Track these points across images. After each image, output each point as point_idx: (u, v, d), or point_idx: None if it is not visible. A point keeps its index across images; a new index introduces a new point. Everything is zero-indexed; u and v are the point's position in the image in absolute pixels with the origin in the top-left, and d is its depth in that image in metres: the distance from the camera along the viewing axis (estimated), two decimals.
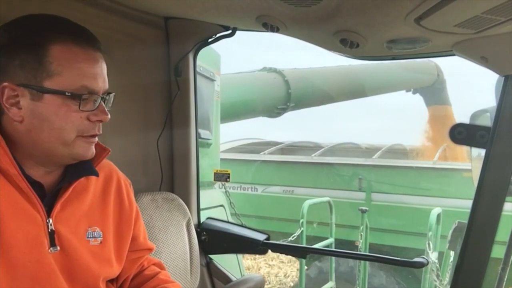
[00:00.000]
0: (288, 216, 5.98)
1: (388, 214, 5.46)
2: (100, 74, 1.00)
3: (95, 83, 0.98)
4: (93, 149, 1.03)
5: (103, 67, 1.02)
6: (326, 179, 6.09)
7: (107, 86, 1.02)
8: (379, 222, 5.35)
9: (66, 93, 0.94)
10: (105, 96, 1.02)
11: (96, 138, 1.03)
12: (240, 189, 6.40)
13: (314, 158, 6.41)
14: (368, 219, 5.38)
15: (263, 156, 6.75)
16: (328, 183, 6.04)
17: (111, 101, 1.06)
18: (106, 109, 1.01)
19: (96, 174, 1.09)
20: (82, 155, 1.00)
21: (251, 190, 6.39)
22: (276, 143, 7.68)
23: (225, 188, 3.31)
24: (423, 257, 1.84)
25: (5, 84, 0.93)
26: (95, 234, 1.07)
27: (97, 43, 1.01)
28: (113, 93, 1.05)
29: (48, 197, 1.01)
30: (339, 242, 4.92)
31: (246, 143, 7.73)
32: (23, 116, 0.95)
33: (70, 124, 0.96)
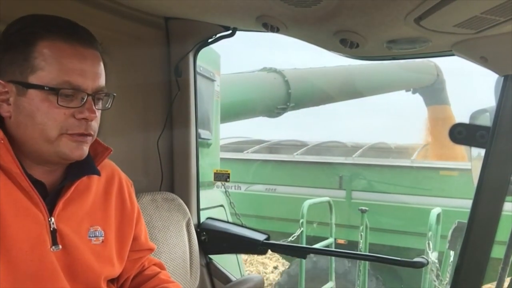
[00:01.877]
0: (272, 215, 6.05)
1: (369, 212, 5.49)
2: (89, 71, 0.97)
3: (81, 80, 0.95)
4: (83, 150, 0.99)
5: (96, 64, 0.99)
6: (308, 178, 6.14)
7: (100, 84, 0.99)
8: (359, 220, 5.42)
9: (45, 88, 0.93)
10: (97, 95, 0.99)
11: (89, 138, 1.01)
12: (224, 188, 6.41)
13: (296, 156, 6.44)
14: (348, 217, 5.43)
15: (246, 155, 6.76)
16: (310, 181, 6.10)
17: (109, 102, 1.04)
18: (94, 108, 0.97)
19: (98, 173, 1.09)
20: (67, 154, 0.97)
21: (235, 189, 6.42)
22: (261, 142, 7.70)
23: (224, 188, 3.31)
24: (423, 257, 1.84)
25: None
26: (97, 233, 1.07)
27: (90, 41, 0.99)
28: (113, 94, 1.04)
29: (51, 196, 1.01)
30: (321, 240, 4.94)
31: (232, 141, 7.73)
32: (11, 112, 0.96)
33: (52, 120, 0.94)
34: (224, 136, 7.72)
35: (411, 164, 5.79)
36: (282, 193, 6.19)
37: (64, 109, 0.95)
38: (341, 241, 5.38)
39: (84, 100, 0.97)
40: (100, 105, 1.02)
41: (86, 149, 1.01)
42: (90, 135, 1.00)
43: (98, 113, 1.01)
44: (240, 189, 6.40)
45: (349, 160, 6.12)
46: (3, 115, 0.97)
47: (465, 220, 1.48)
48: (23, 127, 0.96)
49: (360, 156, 6.39)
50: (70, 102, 0.95)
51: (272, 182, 6.31)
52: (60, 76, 0.94)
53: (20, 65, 0.94)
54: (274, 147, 7.61)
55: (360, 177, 5.99)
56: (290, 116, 6.67)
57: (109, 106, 1.05)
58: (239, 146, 7.39)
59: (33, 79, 0.94)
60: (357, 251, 4.68)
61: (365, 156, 6.40)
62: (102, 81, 1.01)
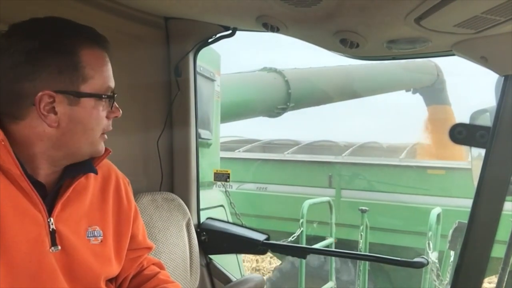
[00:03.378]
0: (263, 213, 6.10)
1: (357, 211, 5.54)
2: (112, 75, 1.06)
3: (112, 84, 1.05)
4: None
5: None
6: (299, 176, 6.17)
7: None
8: (349, 219, 5.43)
9: (103, 96, 1.01)
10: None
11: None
12: (216, 186, 6.44)
13: (287, 155, 6.48)
14: (338, 215, 5.45)
15: (238, 154, 6.79)
16: (300, 180, 6.13)
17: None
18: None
19: (95, 171, 1.09)
20: (100, 151, 1.07)
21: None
22: (254, 141, 7.72)
23: (224, 188, 3.31)
24: (423, 257, 1.84)
25: (44, 92, 0.93)
26: (96, 233, 1.07)
27: (109, 44, 1.06)
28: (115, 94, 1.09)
29: (49, 197, 1.01)
30: (312, 238, 4.97)
31: (225, 140, 7.75)
32: (59, 122, 0.96)
33: (99, 125, 1.03)
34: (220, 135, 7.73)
35: (399, 163, 5.83)
36: (273, 192, 6.24)
37: (104, 112, 1.03)
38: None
39: (113, 101, 1.05)
40: None
41: None
42: None
43: None
44: (232, 187, 6.43)
45: (338, 159, 6.17)
46: (50, 126, 0.96)
47: (457, 219, 1.49)
48: (70, 134, 0.99)
49: (351, 155, 6.42)
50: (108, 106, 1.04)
51: (263, 181, 6.36)
52: (105, 83, 1.02)
53: (70, 74, 0.96)
54: (267, 146, 7.63)
55: (350, 176, 6.05)
56: (288, 116, 6.70)
57: None
58: (232, 145, 7.40)
59: (85, 88, 0.98)
60: (351, 250, 4.69)
61: (355, 155, 6.44)
62: None
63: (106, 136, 1.08)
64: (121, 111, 1.08)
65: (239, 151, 6.89)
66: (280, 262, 6.41)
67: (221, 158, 6.36)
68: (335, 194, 5.88)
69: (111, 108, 1.05)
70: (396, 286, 5.55)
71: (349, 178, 6.02)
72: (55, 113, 0.95)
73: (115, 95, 1.06)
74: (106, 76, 1.03)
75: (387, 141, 8.02)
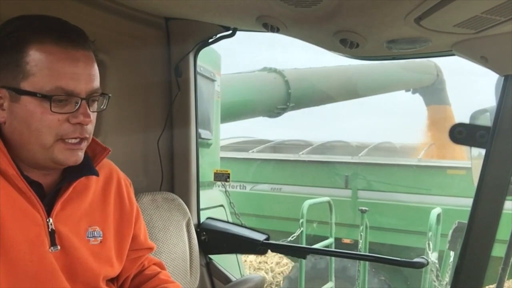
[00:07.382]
0: (278, 214, 6.07)
1: (375, 212, 5.47)
2: (81, 74, 0.94)
3: (74, 84, 0.93)
4: (78, 156, 0.98)
5: (88, 66, 0.96)
6: (313, 177, 6.12)
7: (93, 86, 0.97)
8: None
9: (37, 95, 0.91)
10: (91, 97, 0.97)
11: (84, 144, 1.00)
12: (229, 187, 6.37)
13: (302, 156, 6.44)
14: (354, 217, 5.42)
15: (252, 154, 6.76)
16: (315, 180, 6.08)
17: (104, 103, 1.03)
18: (88, 111, 0.96)
19: (96, 174, 1.09)
20: (62, 161, 0.97)
21: (240, 188, 6.40)
22: (265, 141, 7.70)
23: (225, 188, 3.31)
24: (423, 257, 1.84)
25: None
26: (95, 233, 1.07)
27: (81, 41, 0.96)
28: (108, 94, 1.02)
29: (49, 197, 1.01)
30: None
31: (236, 141, 7.73)
32: (5, 118, 0.95)
33: (46, 127, 0.93)
34: (228, 135, 7.74)
35: (418, 163, 5.76)
36: (287, 193, 6.17)
37: (58, 115, 0.93)
38: (347, 241, 5.37)
39: (78, 104, 0.95)
40: (95, 106, 1.01)
41: (81, 154, 1.00)
42: (85, 138, 0.99)
43: (93, 116, 0.99)
44: (245, 188, 6.39)
45: (355, 159, 6.09)
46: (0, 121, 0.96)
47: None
48: (18, 133, 0.95)
49: (366, 155, 6.36)
50: (63, 108, 0.94)
51: (277, 182, 6.29)
52: (52, 82, 0.92)
53: (13, 70, 0.93)
54: (278, 147, 7.60)
55: (366, 177, 5.95)
56: (290, 116, 6.68)
57: (104, 107, 1.04)
58: (243, 145, 7.38)
59: (25, 85, 0.92)
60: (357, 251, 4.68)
61: (370, 156, 6.37)
62: (96, 83, 0.98)
63: (78, 146, 0.97)
64: (90, 119, 0.96)
65: (253, 152, 6.86)
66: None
67: (235, 158, 6.37)
68: (351, 195, 5.82)
69: (73, 112, 0.94)
70: (412, 285, 5.50)
71: (366, 179, 5.92)
72: (3, 109, 0.95)
73: (88, 98, 0.95)
74: (56, 74, 0.91)
75: (399, 141, 7.99)
